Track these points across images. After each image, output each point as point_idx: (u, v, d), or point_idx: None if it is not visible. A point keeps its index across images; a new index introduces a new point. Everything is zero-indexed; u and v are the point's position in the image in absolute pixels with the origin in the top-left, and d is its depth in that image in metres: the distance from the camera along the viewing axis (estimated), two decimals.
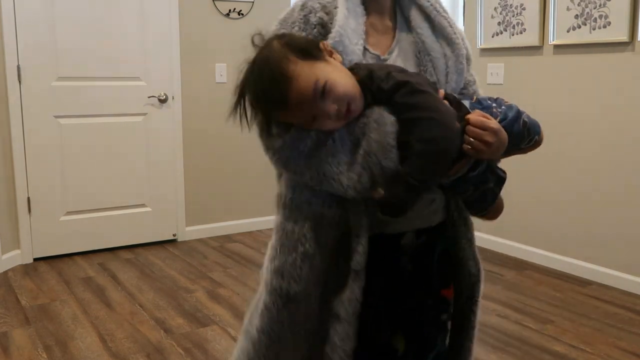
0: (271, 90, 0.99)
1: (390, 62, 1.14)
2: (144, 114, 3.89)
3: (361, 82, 1.03)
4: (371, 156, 1.01)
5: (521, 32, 3.52)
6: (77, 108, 3.68)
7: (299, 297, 1.09)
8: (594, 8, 3.13)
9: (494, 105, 1.13)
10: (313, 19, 1.10)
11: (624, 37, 3.01)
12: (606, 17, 3.08)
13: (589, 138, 3.26)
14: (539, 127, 1.18)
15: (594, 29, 3.14)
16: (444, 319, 1.23)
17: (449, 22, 1.19)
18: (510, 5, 3.56)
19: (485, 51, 3.77)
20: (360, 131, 1.03)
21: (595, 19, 3.13)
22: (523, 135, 1.13)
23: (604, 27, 3.09)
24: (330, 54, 1.04)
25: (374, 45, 1.15)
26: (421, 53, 1.15)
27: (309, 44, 1.03)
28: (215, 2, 4.08)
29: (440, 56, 1.15)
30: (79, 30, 3.63)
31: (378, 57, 1.14)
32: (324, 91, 0.98)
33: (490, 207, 1.17)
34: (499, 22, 3.66)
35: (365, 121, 1.03)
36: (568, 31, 3.27)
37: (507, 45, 3.62)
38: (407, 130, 1.01)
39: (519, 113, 1.14)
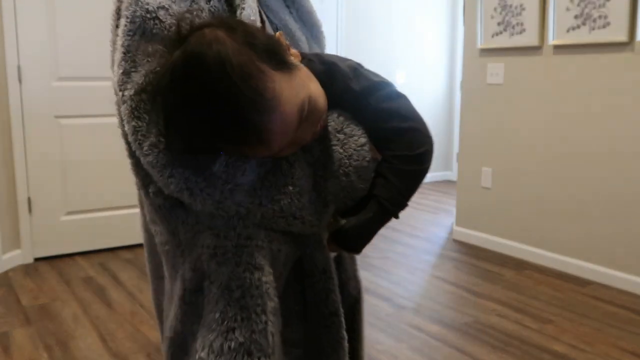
0: (240, 121, 0.68)
1: None
2: None
3: (319, 80, 0.78)
4: (340, 178, 0.78)
5: (521, 33, 3.53)
6: (77, 108, 3.68)
7: None
8: (594, 8, 3.13)
9: None
10: None
11: (623, 37, 3.02)
12: (605, 17, 3.08)
13: (588, 138, 3.26)
14: None
15: (593, 29, 3.15)
16: None
17: (312, 7, 1.00)
18: (510, 5, 3.57)
19: (485, 51, 3.78)
20: (321, 147, 0.78)
21: (595, 19, 3.13)
22: None
23: (604, 27, 3.10)
24: (289, 50, 0.78)
25: None
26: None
27: (271, 40, 0.73)
28: None
29: (305, 44, 0.95)
30: (79, 30, 3.63)
31: None
32: (307, 114, 0.73)
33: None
34: (499, 23, 3.66)
35: (326, 134, 0.79)
36: (567, 31, 3.27)
37: (506, 45, 3.62)
38: (383, 143, 0.81)
39: None
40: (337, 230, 0.82)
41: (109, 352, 2.48)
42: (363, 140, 0.80)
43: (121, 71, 0.76)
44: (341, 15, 5.67)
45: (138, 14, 0.75)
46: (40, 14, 3.51)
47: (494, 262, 3.58)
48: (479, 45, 3.79)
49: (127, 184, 3.93)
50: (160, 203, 0.79)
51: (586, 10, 3.17)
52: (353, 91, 0.80)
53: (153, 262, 0.95)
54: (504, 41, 3.64)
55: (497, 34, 3.68)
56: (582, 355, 2.44)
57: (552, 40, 3.37)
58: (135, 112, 0.75)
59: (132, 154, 0.80)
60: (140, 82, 0.74)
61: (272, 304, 0.79)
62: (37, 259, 3.66)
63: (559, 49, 3.36)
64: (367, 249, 0.87)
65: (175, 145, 0.73)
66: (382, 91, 0.80)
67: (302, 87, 0.72)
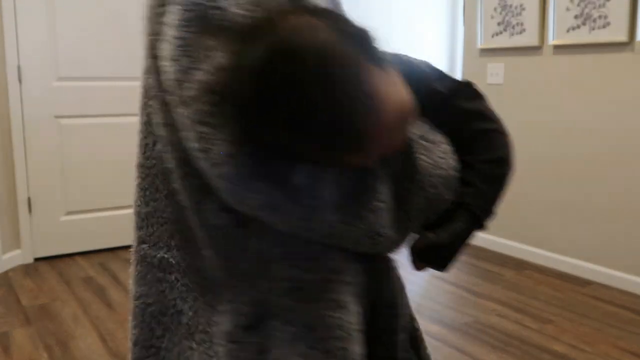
0: (341, 123, 0.56)
1: None
2: None
3: None
4: (427, 190, 0.70)
5: (521, 32, 3.53)
6: (77, 108, 3.68)
7: None
8: (594, 8, 3.13)
9: None
10: None
11: (623, 37, 3.02)
12: (605, 17, 3.08)
13: (588, 138, 3.26)
14: None
15: (593, 29, 3.15)
16: None
17: None
18: (510, 5, 3.57)
19: (485, 51, 3.78)
20: (405, 156, 0.70)
21: (595, 19, 3.13)
22: None
23: (604, 27, 3.10)
24: None
25: None
26: None
27: (364, 31, 0.61)
28: None
29: None
30: (79, 30, 3.63)
31: None
32: (403, 117, 0.62)
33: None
34: (499, 22, 3.66)
35: (410, 142, 0.70)
36: (567, 31, 3.27)
37: (506, 45, 3.62)
38: (465, 147, 0.73)
39: None
40: (428, 246, 0.74)
41: (109, 352, 2.48)
42: (447, 147, 0.72)
43: (177, 68, 0.64)
44: None
45: (197, 1, 0.63)
46: (40, 14, 3.51)
47: (494, 262, 3.58)
48: (479, 45, 3.79)
49: (127, 184, 3.93)
50: (218, 223, 0.68)
51: (586, 10, 3.17)
52: (439, 93, 0.72)
53: (146, 325, 0.78)
54: (504, 41, 3.64)
55: (497, 34, 3.68)
56: (582, 355, 2.44)
57: (552, 40, 3.37)
58: (202, 117, 0.62)
59: (183, 164, 0.68)
60: (204, 81, 0.62)
61: (358, 348, 0.70)
62: (37, 259, 3.66)
63: (559, 49, 3.36)
64: None
65: (255, 155, 0.62)
66: (466, 91, 0.75)
67: (396, 87, 0.61)
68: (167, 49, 0.65)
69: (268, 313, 0.70)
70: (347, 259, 0.70)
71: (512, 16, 3.57)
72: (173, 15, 0.65)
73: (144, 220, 0.76)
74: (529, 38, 3.48)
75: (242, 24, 0.61)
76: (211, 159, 0.62)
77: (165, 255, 0.74)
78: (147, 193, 0.75)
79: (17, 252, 3.58)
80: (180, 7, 0.64)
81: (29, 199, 3.59)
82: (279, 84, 0.55)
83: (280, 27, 0.57)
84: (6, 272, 3.45)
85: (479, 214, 0.73)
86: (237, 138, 0.61)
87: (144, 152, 0.74)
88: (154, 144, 0.72)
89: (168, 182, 0.72)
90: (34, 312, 2.89)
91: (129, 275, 0.80)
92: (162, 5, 0.67)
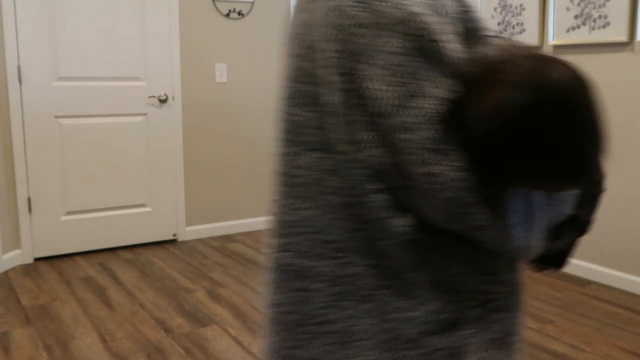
0: (590, 158, 0.68)
1: None
2: (144, 114, 3.89)
3: None
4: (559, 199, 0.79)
5: (521, 32, 3.53)
6: (77, 108, 3.68)
7: None
8: (594, 8, 3.13)
9: None
10: (468, 19, 0.75)
11: (623, 37, 3.02)
12: (605, 17, 3.08)
13: None
14: None
15: (593, 29, 3.15)
16: None
17: None
18: (510, 5, 3.57)
19: None
20: None
21: (595, 19, 3.13)
22: None
23: (604, 27, 3.10)
24: None
25: None
26: None
27: None
28: (215, 2, 4.08)
29: None
30: (79, 31, 3.63)
31: None
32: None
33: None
34: (499, 22, 3.66)
35: None
36: (567, 31, 3.27)
37: None
38: None
39: None
40: (556, 252, 0.83)
41: (109, 352, 2.48)
42: None
43: (396, 94, 0.68)
44: None
45: (417, 32, 0.68)
46: (40, 14, 3.51)
47: None
48: None
49: (126, 184, 3.96)
50: (406, 237, 0.74)
51: (586, 10, 3.17)
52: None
53: (289, 334, 0.81)
54: None
55: None
56: (582, 355, 2.44)
57: (552, 40, 3.37)
58: (429, 143, 0.68)
59: (374, 180, 0.72)
60: (428, 109, 0.68)
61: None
62: (37, 259, 3.66)
63: (559, 49, 3.36)
64: None
65: (476, 180, 0.69)
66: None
67: None
68: (379, 73, 0.68)
69: (458, 321, 0.76)
70: (515, 270, 0.81)
71: (512, 16, 3.57)
72: (389, 43, 0.68)
73: (286, 229, 0.79)
74: (529, 38, 3.48)
75: (456, 61, 0.69)
76: (434, 183, 0.68)
77: (310, 264, 0.77)
78: (292, 202, 0.78)
79: (17, 252, 3.59)
80: (398, 35, 0.68)
81: (29, 199, 3.60)
82: (550, 119, 0.63)
83: (542, 68, 0.66)
84: (6, 272, 3.46)
85: (587, 226, 0.83)
86: (465, 165, 0.68)
87: (287, 162, 0.78)
88: (299, 154, 0.77)
89: (324, 193, 0.75)
90: (34, 312, 2.89)
91: (262, 283, 0.80)
92: (362, 27, 0.69)
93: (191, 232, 4.18)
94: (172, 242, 4.10)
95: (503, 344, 0.79)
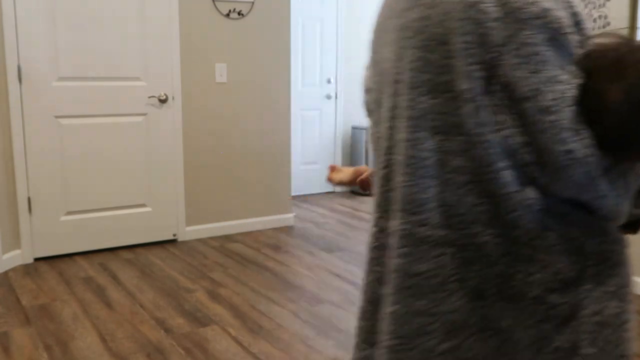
0: None
1: None
2: (144, 114, 3.89)
3: None
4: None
5: None
6: (77, 108, 3.69)
7: None
8: (594, 8, 3.13)
9: None
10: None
11: None
12: (605, 17, 3.08)
13: None
14: None
15: (593, 29, 3.15)
16: None
17: None
18: None
19: None
20: None
21: (595, 19, 3.13)
22: None
23: (604, 27, 3.10)
24: None
25: None
26: None
27: None
28: (215, 2, 4.08)
29: None
30: (79, 31, 3.64)
31: None
32: None
33: None
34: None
35: None
36: None
37: None
38: None
39: None
40: (636, 218, 0.92)
41: (109, 352, 2.48)
42: None
43: (537, 80, 0.79)
44: (341, 15, 5.67)
45: (549, 26, 0.79)
46: (40, 14, 3.51)
47: None
48: None
49: (126, 184, 3.96)
50: (532, 209, 0.85)
51: (586, 10, 3.17)
52: None
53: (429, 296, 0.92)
54: None
55: None
56: None
57: None
58: (568, 123, 0.79)
59: (506, 158, 0.83)
60: (565, 92, 0.79)
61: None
62: (37, 259, 3.66)
63: None
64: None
65: (602, 157, 0.80)
66: None
67: None
68: (519, 62, 0.79)
69: (578, 279, 0.86)
70: (619, 229, 0.91)
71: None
72: (527, 35, 0.79)
73: (419, 207, 0.89)
74: None
75: (580, 50, 0.81)
76: (572, 159, 0.79)
77: (442, 233, 0.88)
78: (422, 181, 0.88)
79: (17, 252, 3.59)
80: (535, 28, 0.79)
81: (29, 199, 3.60)
82: None
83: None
84: (6, 272, 3.46)
85: None
86: (593, 142, 0.79)
87: (413, 146, 0.88)
88: (425, 138, 0.87)
89: (449, 172, 0.86)
90: (34, 312, 2.89)
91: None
92: (501, 21, 0.80)
93: (191, 232, 4.18)
94: (172, 242, 4.10)
95: (618, 295, 0.89)
